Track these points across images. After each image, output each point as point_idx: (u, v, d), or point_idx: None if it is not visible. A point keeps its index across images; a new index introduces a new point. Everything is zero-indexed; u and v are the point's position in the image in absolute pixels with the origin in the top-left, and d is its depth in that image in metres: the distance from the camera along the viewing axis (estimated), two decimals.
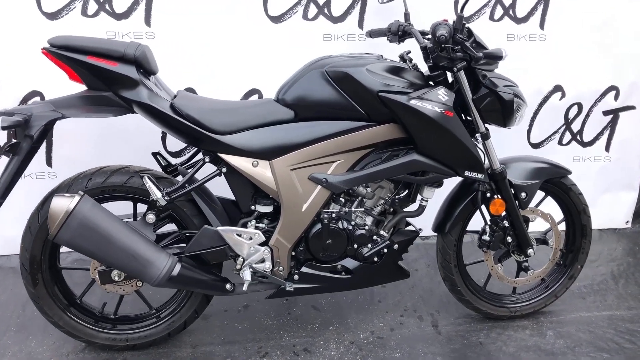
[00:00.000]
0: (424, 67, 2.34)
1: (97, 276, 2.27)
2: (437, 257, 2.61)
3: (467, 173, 2.31)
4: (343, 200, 2.37)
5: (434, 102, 2.18)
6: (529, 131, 3.32)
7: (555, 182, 2.56)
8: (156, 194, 2.17)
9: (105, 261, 2.12)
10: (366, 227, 2.36)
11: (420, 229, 2.49)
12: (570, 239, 2.71)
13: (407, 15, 2.51)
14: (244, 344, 2.51)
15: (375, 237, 2.38)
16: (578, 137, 3.39)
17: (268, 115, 2.23)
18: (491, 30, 3.09)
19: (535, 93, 3.25)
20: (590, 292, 2.96)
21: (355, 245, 2.37)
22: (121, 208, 2.39)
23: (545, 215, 2.59)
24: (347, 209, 2.34)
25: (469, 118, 2.35)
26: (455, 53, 2.17)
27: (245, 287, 2.27)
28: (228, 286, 2.32)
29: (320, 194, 2.26)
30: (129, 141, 2.97)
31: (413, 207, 2.44)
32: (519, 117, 2.37)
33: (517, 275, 2.69)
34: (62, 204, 2.04)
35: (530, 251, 2.55)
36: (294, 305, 2.80)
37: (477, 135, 2.35)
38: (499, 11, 3.08)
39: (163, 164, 2.44)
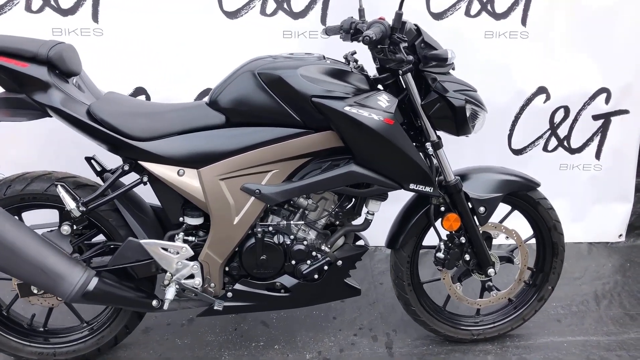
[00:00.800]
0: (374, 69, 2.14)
1: (17, 289, 2.15)
2: (391, 274, 2.41)
3: (412, 186, 2.10)
4: (285, 212, 2.19)
5: (372, 108, 1.98)
6: (509, 136, 3.07)
7: (521, 195, 2.33)
8: (70, 204, 2.02)
9: (15, 275, 1.99)
10: (305, 242, 2.17)
11: (368, 245, 2.29)
12: (540, 258, 2.47)
13: (361, 12, 2.30)
14: None
15: (315, 253, 2.20)
16: (565, 144, 3.11)
17: (196, 120, 2.06)
18: (467, 27, 2.86)
19: (517, 95, 2.99)
20: (567, 313, 2.71)
21: (293, 262, 2.19)
22: (48, 217, 2.26)
23: (509, 231, 2.35)
24: (285, 222, 2.16)
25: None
26: (395, 55, 1.96)
27: (166, 306, 2.11)
28: (154, 303, 2.16)
29: (253, 205, 2.08)
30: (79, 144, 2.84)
31: (360, 220, 2.24)
32: (477, 125, 2.15)
33: (481, 296, 2.46)
34: None
35: (490, 271, 2.32)
36: (243, 320, 2.64)
37: (428, 144, 2.14)
38: (475, 6, 2.84)
39: (98, 169, 2.29)
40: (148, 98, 2.80)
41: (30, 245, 1.95)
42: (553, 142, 3.10)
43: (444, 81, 2.06)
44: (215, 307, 2.16)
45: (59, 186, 2.03)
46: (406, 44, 1.97)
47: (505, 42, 2.88)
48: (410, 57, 1.89)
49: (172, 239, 2.14)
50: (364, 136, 1.98)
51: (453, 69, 2.17)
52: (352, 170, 2.03)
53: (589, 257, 3.22)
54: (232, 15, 2.76)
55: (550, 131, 3.08)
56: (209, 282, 2.17)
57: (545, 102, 3.00)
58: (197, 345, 2.47)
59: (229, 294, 2.20)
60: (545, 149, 3.11)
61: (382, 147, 2.00)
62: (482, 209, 2.24)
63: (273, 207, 2.16)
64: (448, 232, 2.28)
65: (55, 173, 2.17)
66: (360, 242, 2.30)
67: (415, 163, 2.05)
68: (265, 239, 2.14)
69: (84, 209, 2.05)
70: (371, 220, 2.22)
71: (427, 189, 2.12)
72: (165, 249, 2.11)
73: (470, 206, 2.24)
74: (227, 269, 2.19)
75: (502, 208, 2.30)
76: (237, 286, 2.19)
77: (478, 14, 2.85)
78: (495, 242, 2.36)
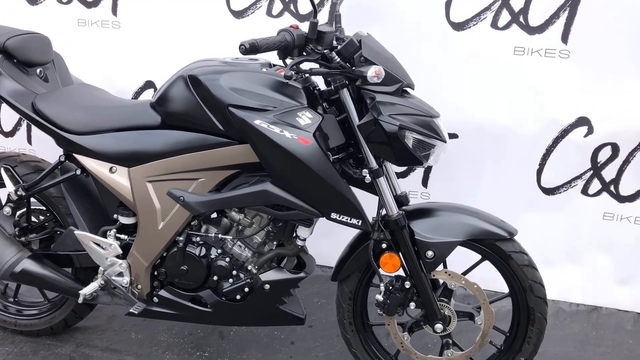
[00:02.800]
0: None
1: None
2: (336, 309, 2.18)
3: (335, 216, 1.86)
4: (226, 224, 2.08)
5: (289, 125, 1.78)
6: (539, 172, 2.59)
7: (488, 245, 1.95)
8: (9, 187, 2.12)
9: None
10: (227, 259, 2.04)
11: (308, 272, 2.08)
12: (515, 322, 2.05)
13: (336, 17, 2.09)
14: (123, 356, 2.38)
15: (237, 272, 2.06)
16: (612, 189, 2.55)
17: (133, 119, 2.03)
18: (494, 40, 2.46)
19: (551, 124, 2.51)
20: None
21: (216, 277, 2.07)
22: None
23: (470, 284, 1.98)
24: (214, 235, 2.04)
25: None
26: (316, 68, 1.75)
27: (80, 299, 2.12)
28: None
29: (179, 213, 2.01)
30: None
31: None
32: (432, 157, 1.84)
33: (441, 353, 2.12)
34: None
35: (438, 326, 1.98)
36: (203, 327, 2.57)
37: (365, 170, 1.88)
38: (505, 17, 2.43)
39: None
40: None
41: None
42: (596, 185, 2.56)
43: (383, 102, 1.79)
44: (130, 310, 2.13)
45: (1, 168, 2.14)
46: (317, 56, 1.74)
47: (539, 61, 2.43)
48: (291, 74, 1.66)
49: (105, 234, 2.15)
50: (275, 154, 1.80)
51: (412, 87, 1.88)
52: (266, 189, 1.86)
53: (632, 331, 2.62)
54: (239, 14, 2.69)
55: (592, 171, 2.54)
56: (136, 283, 2.15)
57: (586, 136, 2.48)
58: (147, 342, 2.46)
59: (155, 299, 2.15)
60: (585, 192, 2.58)
61: (296, 169, 1.80)
62: (429, 253, 1.91)
63: (211, 217, 2.07)
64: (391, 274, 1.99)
65: (23, 156, 2.30)
66: (304, 270, 2.10)
67: (335, 190, 1.81)
68: (187, 249, 2.05)
69: (23, 194, 2.14)
70: (301, 246, 2.02)
71: (354, 221, 1.87)
72: (97, 244, 2.12)
73: (416, 248, 1.93)
74: (156, 272, 2.15)
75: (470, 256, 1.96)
76: (163, 292, 2.14)
77: (507, 26, 2.44)
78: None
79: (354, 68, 1.77)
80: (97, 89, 2.29)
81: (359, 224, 1.87)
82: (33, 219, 2.27)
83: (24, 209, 2.26)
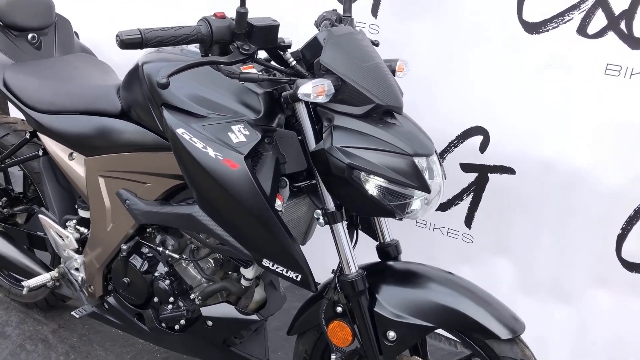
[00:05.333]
0: None
1: None
2: None
3: (267, 263, 1.45)
4: (178, 239, 1.78)
5: (217, 141, 1.39)
6: (620, 238, 1.86)
7: (476, 340, 1.41)
8: None
9: None
10: (168, 281, 1.73)
11: (259, 316, 1.71)
12: None
13: (346, 3, 1.63)
14: (92, 348, 2.22)
15: (179, 300, 1.74)
16: None
17: (96, 102, 1.79)
18: (579, 51, 1.78)
19: None
20: None
21: (156, 299, 1.78)
22: None
23: None
24: (162, 249, 1.75)
25: None
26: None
27: (24, 291, 1.96)
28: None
29: (126, 218, 1.74)
30: None
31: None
32: (414, 211, 1.35)
33: None
34: None
35: None
36: None
37: (318, 211, 1.43)
38: (598, 20, 1.73)
39: None
40: None
41: None
42: None
43: (340, 128, 1.31)
44: (73, 312, 1.93)
45: None
46: (241, 57, 1.29)
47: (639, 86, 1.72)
48: (165, 82, 1.23)
49: (65, 223, 1.96)
50: (196, 175, 1.42)
51: (397, 112, 1.38)
52: (191, 213, 1.50)
53: None
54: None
55: None
56: (89, 283, 1.94)
57: None
58: (122, 341, 2.28)
59: (106, 305, 1.93)
60: None
61: (219, 197, 1.41)
62: (391, 334, 1.43)
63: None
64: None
65: (20, 124, 2.18)
66: (260, 312, 1.72)
67: (264, 232, 1.39)
68: (130, 259, 1.78)
69: None
70: (246, 286, 1.64)
71: (291, 274, 1.44)
72: (56, 233, 1.95)
73: (374, 325, 1.45)
74: (109, 275, 1.92)
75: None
76: (111, 300, 1.91)
77: (601, 33, 1.74)
78: None
79: (298, 79, 1.32)
80: (95, 64, 2.08)
81: (298, 279, 1.44)
82: (11, 192, 2.16)
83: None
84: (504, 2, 1.88)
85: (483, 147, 2.01)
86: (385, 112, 1.37)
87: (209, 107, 1.45)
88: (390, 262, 1.56)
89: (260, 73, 1.40)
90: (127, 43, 1.22)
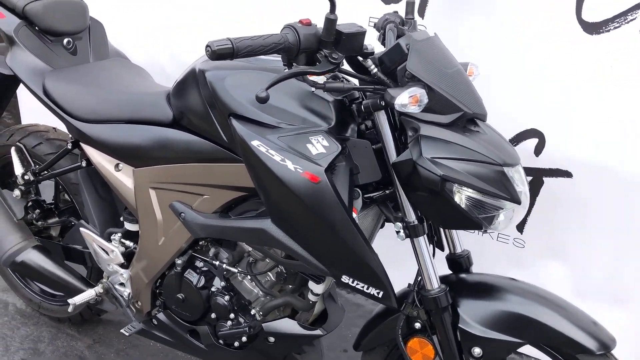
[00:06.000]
0: None
1: None
2: None
3: (347, 280, 1.39)
4: (241, 249, 1.71)
5: (295, 153, 1.32)
6: None
7: (566, 354, 1.36)
8: (17, 170, 1.91)
9: None
10: (228, 297, 1.66)
11: (322, 331, 1.64)
12: None
13: (408, 5, 1.57)
14: None
15: (236, 315, 1.67)
16: None
17: (145, 111, 1.71)
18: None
19: None
20: None
21: (214, 315, 1.71)
22: None
23: None
24: (219, 263, 1.68)
25: None
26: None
27: (70, 309, 1.87)
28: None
29: (180, 231, 1.66)
30: None
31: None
32: (497, 222, 1.29)
33: None
34: None
35: None
36: None
37: (398, 224, 1.37)
38: None
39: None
40: None
41: None
42: None
43: (428, 138, 1.25)
44: (122, 330, 1.85)
45: (13, 148, 1.94)
46: (330, 67, 1.23)
47: None
48: (265, 95, 1.17)
49: (110, 237, 1.87)
50: (273, 188, 1.36)
51: (481, 119, 1.32)
52: (264, 228, 1.43)
53: None
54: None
55: None
56: (136, 299, 1.86)
57: None
58: (163, 355, 2.21)
59: (154, 321, 1.85)
60: None
61: (297, 212, 1.34)
62: (477, 350, 1.38)
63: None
64: None
65: (53, 132, 2.09)
66: (323, 327, 1.65)
67: (347, 247, 1.33)
68: (185, 275, 1.71)
69: (31, 178, 1.92)
70: (313, 302, 1.58)
71: (373, 291, 1.38)
72: (100, 246, 1.86)
73: (459, 339, 1.40)
74: (158, 291, 1.84)
75: None
76: (162, 316, 1.83)
77: None
78: None
79: (388, 88, 1.26)
80: (132, 68, 1.99)
81: (379, 295, 1.38)
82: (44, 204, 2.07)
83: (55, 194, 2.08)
84: (561, 2, 1.83)
85: (538, 150, 1.96)
86: (468, 120, 1.31)
87: (280, 117, 1.39)
88: (464, 275, 1.51)
89: (344, 82, 1.33)
90: (218, 54, 1.14)
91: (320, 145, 1.32)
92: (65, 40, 1.91)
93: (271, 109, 1.39)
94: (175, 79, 1.66)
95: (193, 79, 1.53)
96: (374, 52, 1.31)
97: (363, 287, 1.38)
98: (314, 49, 1.22)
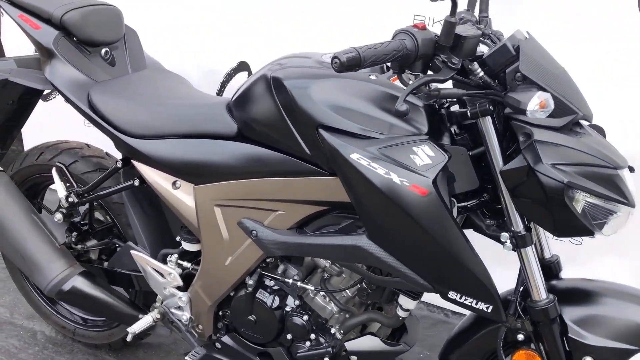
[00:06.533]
0: None
1: None
2: None
3: (454, 295, 1.32)
4: (308, 264, 1.63)
5: (399, 164, 1.24)
6: None
7: None
8: (60, 192, 1.78)
9: (3, 253, 1.86)
10: (306, 316, 1.58)
11: (405, 345, 1.58)
12: None
13: (485, 2, 1.50)
14: None
15: (316, 335, 1.59)
16: None
17: (205, 124, 1.60)
18: None
19: None
20: None
21: (289, 336, 1.62)
22: None
23: None
24: (292, 281, 1.59)
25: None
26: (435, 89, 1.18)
27: (129, 338, 1.76)
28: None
29: (250, 249, 1.57)
30: None
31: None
32: (608, 226, 1.24)
33: None
34: None
35: None
36: None
37: (505, 234, 1.31)
38: None
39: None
40: (250, 74, 2.39)
41: (16, 225, 1.78)
42: None
43: (544, 143, 1.19)
44: (187, 358, 1.74)
45: (54, 169, 1.80)
46: (451, 74, 1.16)
47: None
48: (405, 108, 1.09)
49: (165, 258, 1.76)
50: (375, 203, 1.28)
51: (588, 120, 1.27)
52: (360, 245, 1.35)
53: None
54: None
55: None
56: (197, 322, 1.76)
57: None
58: None
59: (218, 345, 1.75)
60: None
61: (403, 227, 1.27)
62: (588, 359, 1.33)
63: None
64: None
65: (87, 149, 1.96)
66: (404, 341, 1.58)
67: (458, 263, 1.27)
68: (257, 295, 1.61)
69: (75, 200, 1.79)
70: (403, 317, 1.50)
71: (481, 306, 1.32)
72: (154, 269, 1.75)
73: (568, 349, 1.35)
74: (221, 313, 1.74)
75: None
76: (227, 339, 1.73)
77: None
78: None
79: (506, 92, 1.19)
80: (172, 77, 1.88)
81: (488, 310, 1.31)
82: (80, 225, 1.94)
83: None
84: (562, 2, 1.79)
85: None
86: (575, 123, 1.26)
87: (372, 126, 1.31)
88: (559, 281, 1.45)
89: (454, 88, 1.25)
90: (347, 65, 1.05)
91: (425, 155, 1.24)
92: (103, 51, 1.78)
93: (361, 117, 1.31)
94: (238, 89, 1.56)
95: (265, 88, 1.43)
96: (482, 55, 1.24)
97: (471, 302, 1.31)
98: (430, 54, 1.14)
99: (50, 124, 2.63)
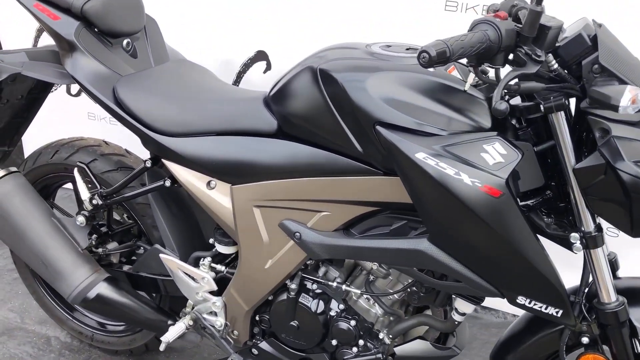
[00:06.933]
0: None
1: None
2: None
3: (522, 300, 1.25)
4: (349, 266, 1.55)
5: (468, 163, 1.17)
6: None
7: None
8: (83, 194, 1.67)
9: (22, 259, 1.75)
10: (352, 322, 1.51)
11: (460, 347, 1.52)
12: None
13: None
14: None
15: (364, 341, 1.52)
16: None
17: (241, 120, 1.50)
18: None
19: None
20: None
21: (334, 342, 1.55)
22: None
23: None
24: (337, 284, 1.51)
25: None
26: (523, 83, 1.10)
27: (162, 347, 1.67)
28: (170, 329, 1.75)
29: (292, 252, 1.48)
30: None
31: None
32: None
33: None
34: None
35: None
36: None
37: (575, 234, 1.24)
38: None
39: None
40: (269, 65, 2.29)
41: (37, 230, 1.67)
42: None
43: (623, 139, 1.12)
44: None
45: (75, 169, 1.69)
46: (537, 67, 1.08)
47: None
48: (505, 108, 1.02)
49: (197, 262, 1.67)
50: (441, 205, 1.20)
51: None
52: (421, 249, 1.27)
53: None
54: None
55: None
56: (232, 328, 1.68)
57: None
58: None
59: (254, 350, 1.67)
60: None
61: (473, 230, 1.19)
62: None
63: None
64: None
65: (105, 146, 1.85)
66: (455, 345, 1.52)
67: (531, 267, 1.20)
68: (300, 300, 1.54)
69: (99, 202, 1.69)
70: (458, 322, 1.44)
71: (551, 310, 1.25)
72: (186, 273, 1.66)
73: (637, 351, 1.30)
74: (257, 317, 1.66)
75: None
76: (265, 345, 1.65)
77: None
78: None
79: (581, 84, 1.12)
80: (197, 69, 1.77)
81: (558, 315, 1.25)
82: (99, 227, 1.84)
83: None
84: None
85: None
86: None
87: (434, 122, 1.22)
88: (620, 280, 1.40)
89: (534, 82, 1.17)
90: (436, 61, 0.97)
91: (496, 153, 1.17)
92: (124, 42, 1.67)
93: (421, 113, 1.23)
94: (276, 82, 1.47)
95: (311, 81, 1.34)
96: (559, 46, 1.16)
97: (541, 307, 1.25)
98: (513, 46, 1.06)
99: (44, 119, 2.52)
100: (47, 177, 1.91)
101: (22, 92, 1.84)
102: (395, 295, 1.50)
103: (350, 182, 1.35)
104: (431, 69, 1.29)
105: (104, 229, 1.84)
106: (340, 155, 1.35)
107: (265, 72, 2.25)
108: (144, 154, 1.71)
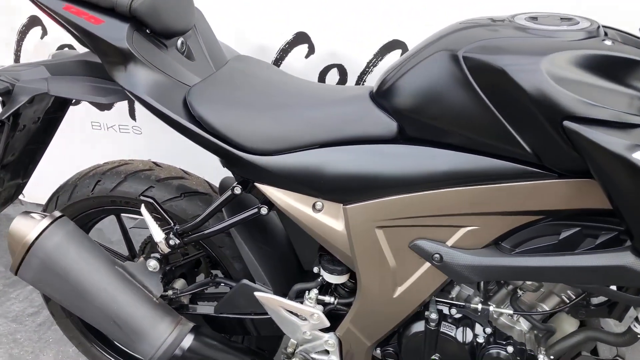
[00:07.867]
0: None
1: None
2: None
3: None
4: (472, 285, 1.33)
5: None
6: None
7: None
8: (157, 235, 1.38)
9: (87, 320, 1.44)
10: (510, 348, 1.28)
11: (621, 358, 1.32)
12: None
13: None
14: None
15: None
16: None
17: (350, 125, 1.22)
18: None
19: None
20: None
21: None
22: None
23: None
24: (482, 306, 1.28)
25: None
26: None
27: None
28: None
29: (429, 276, 1.24)
30: None
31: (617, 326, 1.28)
32: None
33: None
34: (22, 231, 1.37)
35: None
36: None
37: None
38: None
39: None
40: (312, 48, 1.99)
41: (102, 286, 1.37)
42: None
43: None
44: None
45: (143, 206, 1.39)
46: None
47: None
48: None
49: (301, 294, 1.41)
50: None
51: None
52: (625, 265, 1.05)
53: None
54: None
55: None
56: None
57: None
58: None
59: None
60: None
61: None
62: None
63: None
64: None
65: (156, 167, 1.55)
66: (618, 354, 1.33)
67: None
68: (442, 329, 1.30)
69: (177, 242, 1.39)
70: (639, 334, 1.23)
71: None
72: (289, 311, 1.40)
73: None
74: (378, 350, 1.42)
75: None
76: None
77: None
78: None
79: None
80: (264, 66, 1.47)
81: None
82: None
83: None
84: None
85: None
86: None
87: (633, 109, 0.98)
88: None
89: None
90: None
91: None
92: (179, 42, 1.35)
93: (618, 100, 0.99)
94: (386, 75, 1.20)
95: (450, 71, 1.07)
96: None
97: None
98: None
99: None
100: (86, 213, 1.60)
101: (40, 113, 1.52)
102: (545, 307, 1.29)
103: (512, 189, 1.11)
104: (608, 43, 1.05)
105: (168, 269, 1.55)
106: (493, 158, 1.11)
107: (307, 56, 1.97)
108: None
